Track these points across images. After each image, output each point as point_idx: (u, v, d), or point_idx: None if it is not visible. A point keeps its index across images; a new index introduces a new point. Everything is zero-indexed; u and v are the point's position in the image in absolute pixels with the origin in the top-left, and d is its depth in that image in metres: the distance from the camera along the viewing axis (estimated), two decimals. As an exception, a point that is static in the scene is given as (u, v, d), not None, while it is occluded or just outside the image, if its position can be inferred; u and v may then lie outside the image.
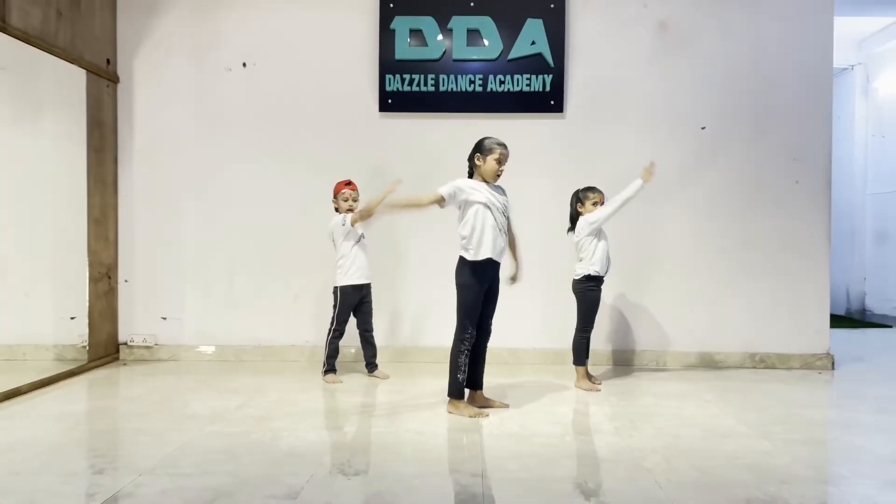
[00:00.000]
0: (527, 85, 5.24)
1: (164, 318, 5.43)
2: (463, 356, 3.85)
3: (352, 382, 4.64)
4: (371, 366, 4.86)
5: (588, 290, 4.56)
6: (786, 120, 5.28)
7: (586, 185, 4.65)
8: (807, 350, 5.28)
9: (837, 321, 7.60)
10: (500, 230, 3.85)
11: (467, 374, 3.91)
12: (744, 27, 5.27)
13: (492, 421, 3.73)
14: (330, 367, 4.68)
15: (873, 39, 8.06)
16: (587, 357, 4.60)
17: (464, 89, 5.26)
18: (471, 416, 3.79)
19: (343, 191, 4.69)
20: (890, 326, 7.78)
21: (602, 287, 4.61)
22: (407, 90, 5.27)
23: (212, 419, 3.71)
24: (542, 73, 5.23)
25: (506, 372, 4.95)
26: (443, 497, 2.76)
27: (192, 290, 5.43)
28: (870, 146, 8.39)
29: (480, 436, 3.47)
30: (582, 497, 2.76)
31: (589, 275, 4.53)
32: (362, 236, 4.70)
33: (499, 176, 3.92)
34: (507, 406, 4.01)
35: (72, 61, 4.83)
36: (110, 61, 5.30)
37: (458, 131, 5.21)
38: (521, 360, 5.29)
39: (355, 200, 4.69)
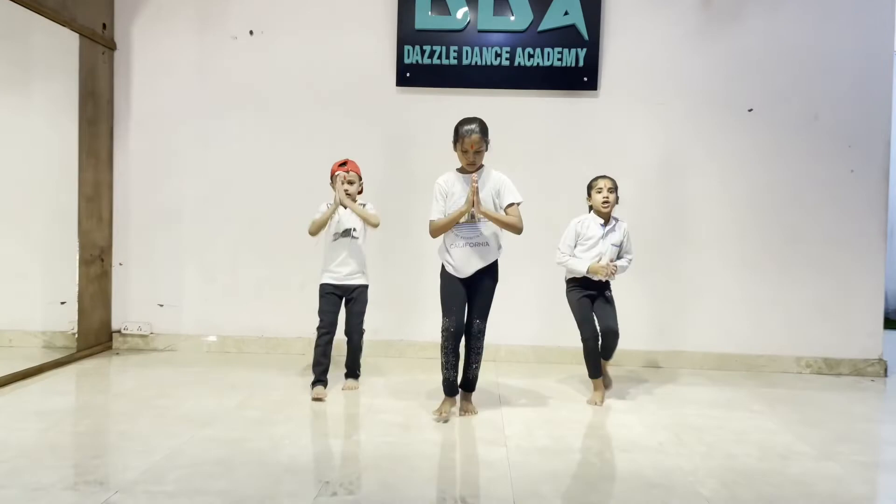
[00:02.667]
0: (558, 59, 4.79)
1: (161, 305, 5.05)
2: (443, 352, 3.51)
3: (362, 382, 4.24)
4: (347, 374, 4.14)
5: (567, 292, 4.03)
6: (841, 104, 4.81)
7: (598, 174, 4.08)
8: (857, 355, 4.84)
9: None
10: (466, 236, 3.50)
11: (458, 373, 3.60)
12: (795, 2, 4.80)
13: (518, 431, 3.32)
14: (316, 378, 3.91)
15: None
16: (595, 367, 3.92)
17: (489, 63, 4.81)
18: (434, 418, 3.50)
19: (337, 173, 3.98)
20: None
21: (593, 286, 3.99)
22: (427, 63, 4.83)
23: (206, 422, 3.32)
24: (575, 47, 4.78)
25: (529, 372, 4.54)
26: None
27: (192, 275, 5.04)
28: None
29: (507, 449, 3.06)
30: (631, 532, 2.35)
31: (567, 277, 4.05)
32: (349, 232, 3.97)
33: (473, 163, 3.49)
34: (475, 412, 3.61)
35: (63, 24, 4.42)
36: (106, 26, 4.89)
37: (482, 109, 4.71)
38: (545, 358, 4.88)
39: (350, 183, 3.96)
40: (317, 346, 3.92)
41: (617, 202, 4.00)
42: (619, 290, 4.82)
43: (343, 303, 4.03)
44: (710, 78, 4.83)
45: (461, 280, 3.53)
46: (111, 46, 4.93)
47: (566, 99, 4.87)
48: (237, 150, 4.98)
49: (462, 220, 3.46)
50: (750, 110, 4.83)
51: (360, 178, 4.05)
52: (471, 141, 3.43)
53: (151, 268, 5.04)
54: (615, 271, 3.88)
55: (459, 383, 3.65)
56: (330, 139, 4.91)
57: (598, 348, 3.89)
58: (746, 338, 4.90)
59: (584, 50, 4.77)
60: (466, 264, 3.51)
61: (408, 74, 4.85)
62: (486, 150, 3.53)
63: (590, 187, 4.01)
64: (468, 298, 3.56)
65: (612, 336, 3.90)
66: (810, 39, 4.79)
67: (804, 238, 4.86)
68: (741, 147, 4.85)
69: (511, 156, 4.54)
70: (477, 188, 3.37)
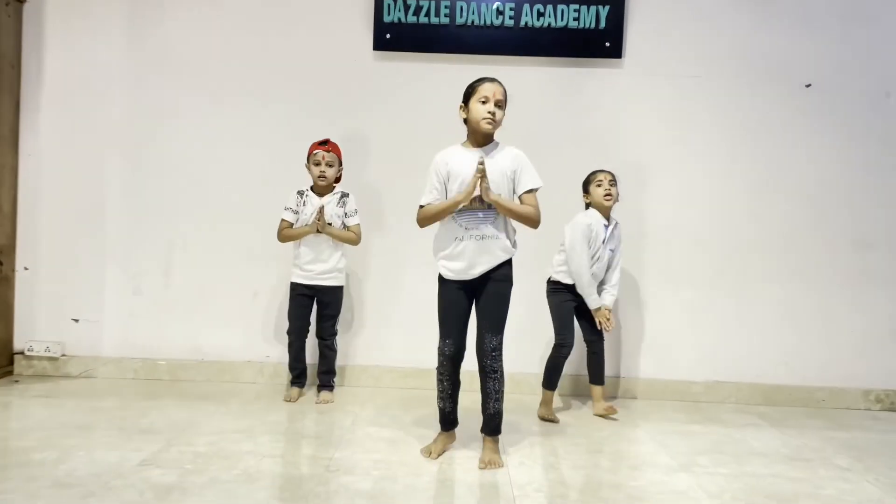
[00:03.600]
0: (574, 19, 3.87)
1: (76, 321, 4.03)
2: (437, 379, 2.79)
3: (334, 408, 3.32)
4: (320, 385, 3.69)
5: (549, 293, 3.54)
6: (918, 79, 3.94)
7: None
8: (940, 388, 3.94)
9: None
10: (470, 226, 2.66)
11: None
12: (864, -45, 3.93)
13: (543, 481, 2.35)
14: (293, 379, 3.70)
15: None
16: (553, 379, 3.47)
17: (489, 23, 3.89)
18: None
19: (315, 152, 3.55)
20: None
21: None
22: (412, 22, 3.89)
23: (88, 492, 2.32)
24: (596, 4, 3.86)
25: (521, 406, 3.58)
26: None
27: (116, 283, 4.03)
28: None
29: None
30: None
31: (551, 279, 3.54)
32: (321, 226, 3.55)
33: (490, 124, 2.64)
34: (500, 465, 2.71)
35: (-55, -42, 3.45)
36: (12, -29, 3.92)
37: None
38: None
39: (330, 165, 3.54)
40: (289, 350, 3.67)
41: (618, 198, 3.53)
42: (643, 301, 3.94)
43: (315, 304, 3.64)
44: (760, 44, 3.92)
45: (464, 287, 2.68)
46: (19, -2, 3.96)
47: (583, 69, 3.94)
48: (177, 129, 4.00)
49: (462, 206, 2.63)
50: (808, 85, 3.93)
51: (341, 163, 3.63)
52: (493, 87, 2.63)
53: (65, 274, 4.02)
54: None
55: (481, 428, 2.79)
56: (289, 117, 3.96)
57: (564, 363, 3.47)
58: (802, 366, 3.98)
59: (607, 7, 3.85)
60: (470, 264, 2.66)
61: (388, 36, 3.91)
62: (500, 122, 2.71)
63: (587, 181, 3.53)
64: (476, 309, 2.74)
65: (596, 358, 3.54)
66: (884, 1, 3.91)
67: (872, 243, 3.96)
68: (796, 130, 3.94)
69: (514, 139, 3.58)
70: (484, 168, 2.55)
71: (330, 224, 3.54)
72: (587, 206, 3.53)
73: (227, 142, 3.99)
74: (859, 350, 3.96)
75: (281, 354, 3.95)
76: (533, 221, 2.66)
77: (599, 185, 3.45)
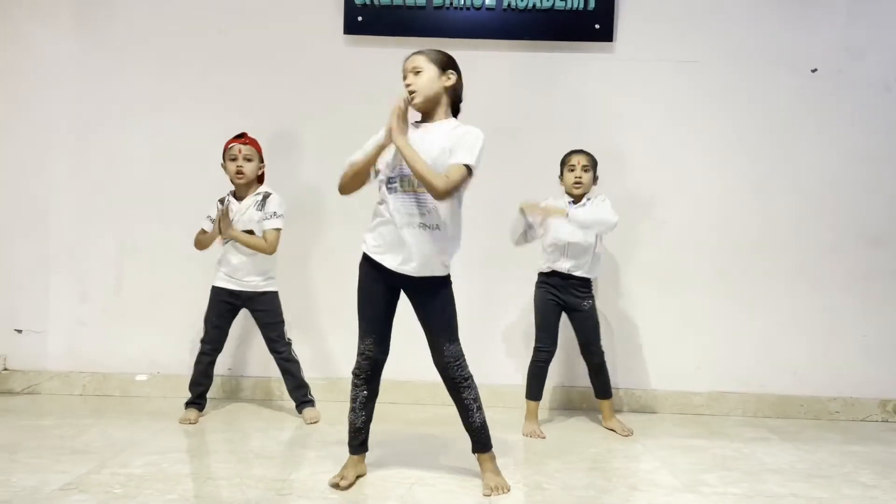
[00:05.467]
0: (561, 0, 3.58)
1: (19, 332, 3.68)
2: (352, 383, 2.41)
3: (295, 424, 2.95)
4: (298, 403, 3.28)
5: (536, 287, 3.24)
6: (931, 64, 3.66)
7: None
8: (962, 397, 3.61)
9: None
10: (408, 211, 2.29)
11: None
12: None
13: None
14: (191, 399, 3.24)
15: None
16: (537, 387, 3.17)
17: (468, 4, 3.59)
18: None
19: (230, 146, 3.19)
20: None
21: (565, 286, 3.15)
22: (386, 3, 3.59)
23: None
24: (584, -16, 3.58)
25: (505, 421, 3.23)
26: None
27: (62, 290, 3.67)
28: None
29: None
30: None
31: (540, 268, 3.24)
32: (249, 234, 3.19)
33: (410, 101, 2.33)
34: (507, 488, 2.34)
35: None
36: (-49, -49, 3.61)
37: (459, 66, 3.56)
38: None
39: (248, 160, 3.17)
40: (197, 363, 3.24)
41: (595, 182, 3.20)
42: (640, 308, 3.61)
43: (245, 314, 3.31)
44: (764, 28, 3.63)
45: (386, 278, 2.32)
46: (-41, -20, 3.64)
47: (571, 54, 3.64)
48: (128, 120, 3.67)
49: (390, 186, 2.33)
50: (814, 70, 3.64)
51: (262, 158, 3.27)
52: (408, 65, 2.35)
53: (6, 280, 3.67)
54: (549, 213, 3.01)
55: (472, 448, 2.42)
56: (253, 108, 3.63)
57: (547, 367, 3.16)
58: (812, 375, 3.64)
59: (596, -13, 3.57)
60: (404, 251, 2.28)
61: (360, 19, 3.61)
62: (449, 84, 2.36)
63: (563, 162, 3.22)
64: (419, 317, 2.37)
65: (594, 355, 3.17)
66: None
67: (885, 242, 3.65)
68: (801, 119, 3.64)
69: (497, 127, 3.28)
70: (404, 106, 2.28)
71: (251, 232, 3.16)
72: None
73: (184, 136, 3.65)
74: (873, 357, 3.64)
75: (241, 366, 3.61)
76: (435, 188, 2.18)
77: (572, 171, 3.13)
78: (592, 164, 3.17)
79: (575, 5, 3.57)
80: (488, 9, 3.58)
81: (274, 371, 3.38)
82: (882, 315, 3.63)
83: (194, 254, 3.54)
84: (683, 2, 3.63)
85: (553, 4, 3.57)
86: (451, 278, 2.40)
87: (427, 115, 2.37)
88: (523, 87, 3.64)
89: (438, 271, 2.33)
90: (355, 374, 2.38)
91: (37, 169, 3.67)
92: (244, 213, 3.18)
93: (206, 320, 3.25)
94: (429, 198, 2.25)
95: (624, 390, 3.62)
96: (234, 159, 3.16)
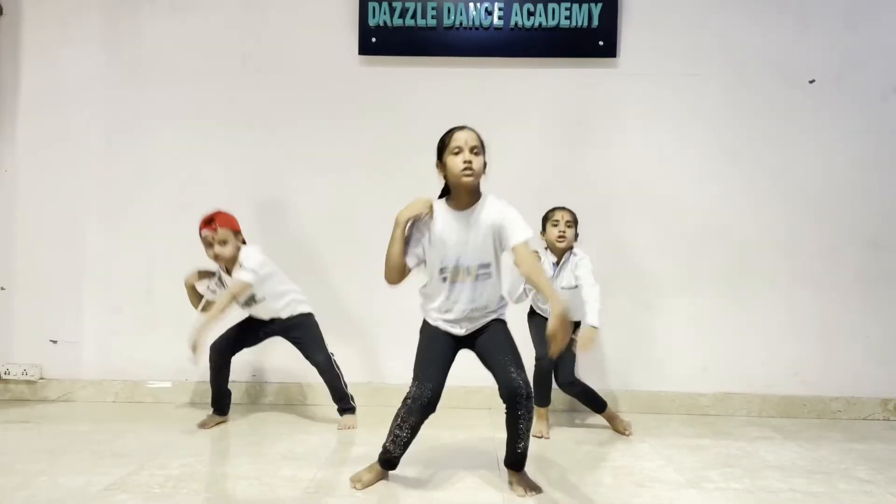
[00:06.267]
0: (566, 18, 3.73)
1: (55, 342, 3.87)
2: (397, 424, 2.47)
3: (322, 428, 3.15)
4: (339, 409, 3.40)
5: (528, 318, 3.43)
6: (926, 73, 3.78)
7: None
8: (963, 395, 3.72)
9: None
10: (458, 299, 2.45)
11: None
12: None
13: (543, 499, 2.16)
14: (211, 402, 3.41)
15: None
16: (545, 393, 3.27)
17: (477, 24, 3.75)
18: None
19: (202, 234, 3.19)
20: None
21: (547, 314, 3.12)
22: (398, 25, 3.76)
23: (45, 517, 2.14)
24: (588, 2, 3.73)
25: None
26: None
27: (95, 302, 3.87)
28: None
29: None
30: None
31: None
32: (253, 298, 3.30)
33: (469, 176, 2.34)
34: (539, 489, 2.46)
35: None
36: (-12, -17, 3.82)
37: (469, 84, 3.77)
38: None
39: (223, 244, 3.16)
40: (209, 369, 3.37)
41: (576, 239, 3.29)
42: (646, 313, 3.75)
43: (282, 337, 3.40)
44: (762, 41, 3.77)
45: (453, 336, 2.48)
46: (-5, 10, 3.85)
47: (577, 70, 3.79)
48: (156, 141, 3.86)
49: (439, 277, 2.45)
50: (811, 82, 3.78)
51: (237, 234, 3.24)
52: (465, 136, 2.36)
53: (43, 293, 3.87)
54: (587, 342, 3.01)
55: (505, 461, 2.53)
56: (272, 126, 3.83)
57: (550, 375, 3.27)
58: (815, 375, 3.77)
59: (600, 5, 3.72)
60: (467, 322, 2.48)
61: (374, 40, 3.78)
62: (484, 171, 2.42)
63: (545, 218, 3.29)
64: (482, 355, 2.48)
65: (575, 386, 3.29)
66: (884, -8, 3.77)
67: (882, 244, 3.77)
68: (799, 129, 3.78)
69: (505, 147, 3.45)
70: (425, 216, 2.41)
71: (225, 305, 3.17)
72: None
73: (208, 153, 3.85)
74: (874, 357, 3.76)
75: (268, 374, 3.78)
76: (546, 286, 2.34)
77: (555, 225, 3.22)
78: (574, 220, 3.27)
79: (579, 23, 3.72)
80: (496, 28, 3.74)
81: (296, 377, 3.55)
82: (882, 316, 3.75)
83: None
84: (683, 17, 3.77)
85: (558, 23, 3.72)
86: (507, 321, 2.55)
87: (468, 195, 2.41)
88: (531, 103, 3.79)
89: (492, 316, 2.48)
90: (404, 416, 2.44)
91: (71, 189, 3.86)
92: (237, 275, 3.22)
93: (224, 332, 3.37)
94: (479, 283, 2.40)
95: (633, 392, 3.76)
96: (209, 245, 3.17)
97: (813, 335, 3.77)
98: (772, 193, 3.78)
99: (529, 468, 2.54)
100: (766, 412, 3.73)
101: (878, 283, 3.77)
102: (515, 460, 2.49)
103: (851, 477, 2.71)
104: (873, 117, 3.76)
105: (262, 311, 3.33)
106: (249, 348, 3.44)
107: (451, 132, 2.39)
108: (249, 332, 3.39)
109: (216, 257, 3.19)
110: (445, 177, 2.42)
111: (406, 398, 2.42)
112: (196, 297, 3.31)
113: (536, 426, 3.24)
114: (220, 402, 3.40)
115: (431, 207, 2.40)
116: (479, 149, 2.36)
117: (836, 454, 3.03)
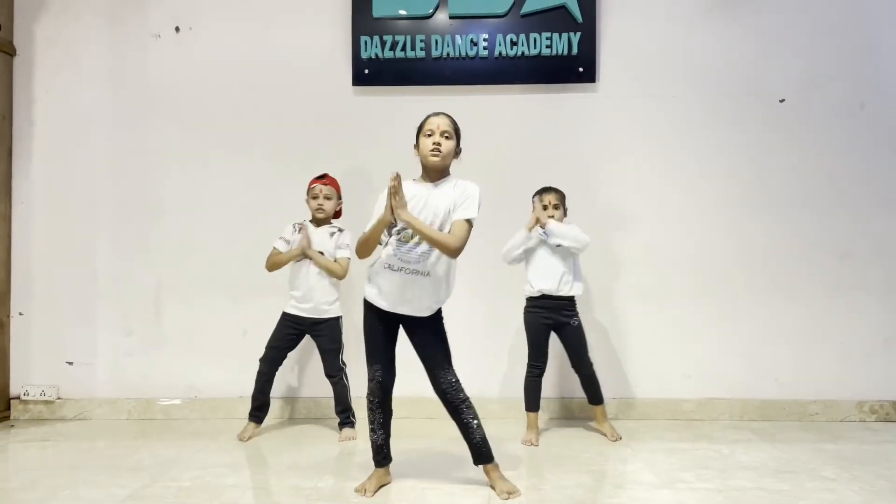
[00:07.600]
0: (547, 47, 3.94)
1: (71, 363, 4.08)
2: (368, 409, 2.76)
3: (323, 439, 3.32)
4: (339, 422, 3.61)
5: (525, 312, 3.57)
6: (893, 89, 3.97)
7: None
8: (936, 396, 3.90)
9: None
10: (403, 259, 2.62)
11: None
12: (832, -30, 4.00)
13: (524, 501, 2.36)
14: (252, 410, 3.62)
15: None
16: (533, 400, 3.52)
17: (464, 54, 3.97)
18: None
19: (312, 185, 3.62)
20: None
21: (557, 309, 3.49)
22: (389, 56, 3.98)
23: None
24: (568, 31, 3.93)
25: (504, 432, 3.57)
26: None
27: (108, 325, 4.09)
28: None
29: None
30: None
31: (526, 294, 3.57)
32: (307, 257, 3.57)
33: (436, 156, 2.62)
34: (517, 492, 2.64)
35: (-65, 17, 3.58)
36: (2, 26, 4.05)
37: (457, 110, 3.80)
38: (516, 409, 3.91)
39: (328, 198, 3.59)
40: (256, 380, 3.59)
41: (565, 215, 3.54)
42: (631, 323, 3.94)
43: (308, 337, 3.62)
44: (732, 63, 3.98)
45: (386, 317, 2.67)
46: (10, 51, 4.08)
47: (559, 95, 4.01)
48: (162, 170, 4.09)
49: (393, 236, 2.64)
50: (782, 101, 3.98)
51: (340, 197, 3.67)
52: (437, 121, 2.65)
53: (58, 318, 4.09)
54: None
55: (475, 461, 2.74)
56: (272, 153, 4.05)
57: (540, 381, 3.53)
58: (794, 380, 3.95)
59: (578, 34, 3.93)
60: (396, 295, 2.63)
61: (366, 71, 4.00)
62: (457, 154, 2.72)
63: (534, 200, 3.56)
64: (416, 350, 2.72)
65: (583, 367, 3.52)
66: (853, 15, 3.96)
67: (860, 254, 3.96)
68: (772, 145, 3.97)
69: (492, 166, 3.69)
70: (397, 184, 2.49)
71: (321, 253, 3.53)
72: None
73: (213, 180, 4.07)
74: (849, 361, 3.94)
75: (276, 389, 3.98)
76: (448, 248, 2.54)
77: (545, 208, 3.47)
78: (561, 199, 3.51)
79: (560, 51, 3.93)
80: (482, 58, 3.96)
81: (298, 392, 3.75)
82: (855, 322, 3.94)
83: (223, 287, 3.97)
84: (658, 43, 3.98)
85: (540, 52, 3.94)
86: (442, 313, 2.74)
87: (435, 173, 2.67)
88: (515, 128, 4.00)
89: (425, 313, 2.66)
90: (370, 399, 2.72)
91: (84, 218, 4.09)
92: (318, 236, 3.57)
93: (269, 340, 3.58)
94: (420, 248, 2.59)
95: (619, 399, 3.95)
96: (315, 197, 3.56)
97: (791, 341, 3.96)
98: (746, 207, 3.97)
99: (520, 472, 2.72)
100: (747, 416, 3.91)
101: (852, 291, 3.95)
102: (478, 453, 2.69)
103: (818, 475, 2.89)
104: (842, 132, 3.96)
105: (313, 284, 3.52)
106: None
107: (427, 117, 2.69)
108: (290, 338, 3.59)
109: (318, 209, 3.55)
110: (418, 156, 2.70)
111: (368, 380, 2.70)
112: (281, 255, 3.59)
113: (526, 434, 3.44)
114: (262, 412, 3.61)
115: (400, 181, 2.51)
116: (450, 133, 2.64)
117: (808, 454, 3.21)
